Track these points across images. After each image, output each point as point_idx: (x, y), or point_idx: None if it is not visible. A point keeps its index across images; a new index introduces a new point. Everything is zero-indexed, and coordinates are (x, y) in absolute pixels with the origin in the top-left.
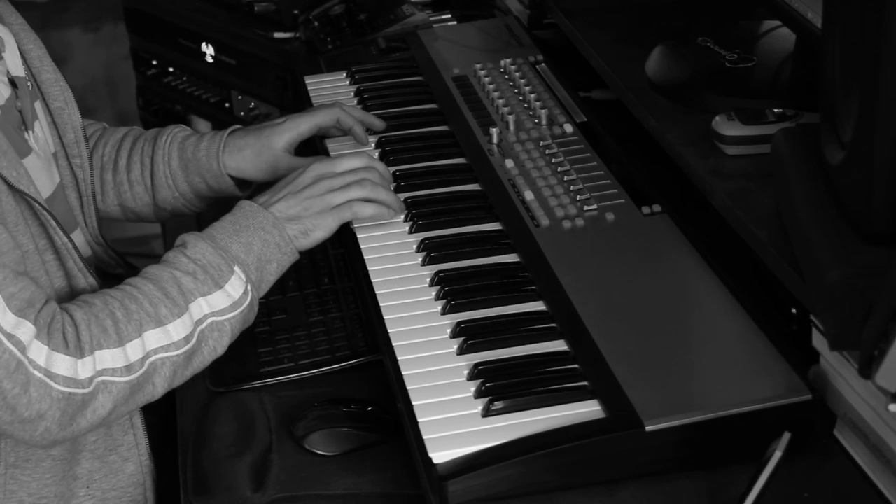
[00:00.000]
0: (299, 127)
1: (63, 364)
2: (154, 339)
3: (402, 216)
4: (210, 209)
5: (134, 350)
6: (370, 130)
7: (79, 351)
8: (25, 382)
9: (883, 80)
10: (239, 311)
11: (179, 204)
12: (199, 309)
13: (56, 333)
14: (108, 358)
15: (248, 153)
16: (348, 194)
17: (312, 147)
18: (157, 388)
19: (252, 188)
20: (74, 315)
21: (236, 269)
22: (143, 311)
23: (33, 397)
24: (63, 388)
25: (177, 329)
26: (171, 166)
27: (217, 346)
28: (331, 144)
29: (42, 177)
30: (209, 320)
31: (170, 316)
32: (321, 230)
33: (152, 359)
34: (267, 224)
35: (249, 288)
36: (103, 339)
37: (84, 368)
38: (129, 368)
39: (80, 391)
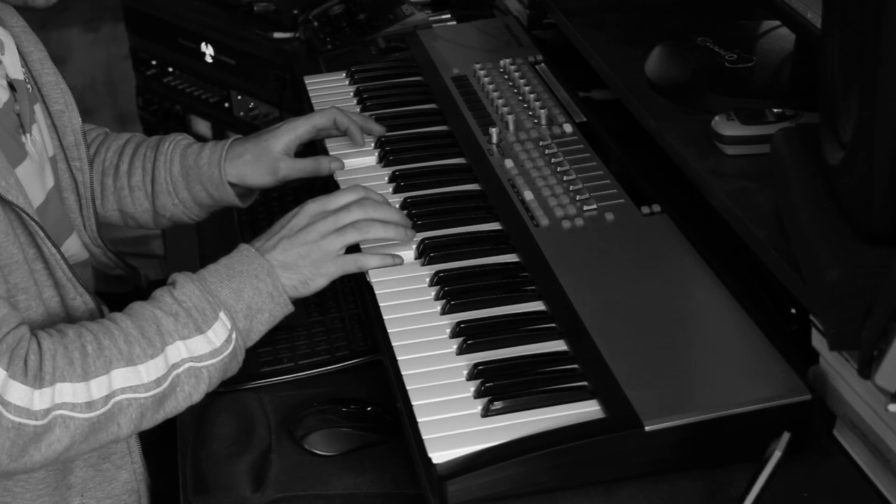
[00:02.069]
0: (297, 129)
1: (17, 392)
2: (122, 378)
3: (413, 246)
4: (209, 220)
5: (99, 387)
6: (370, 136)
7: (38, 381)
8: None
9: (883, 80)
10: (219, 358)
11: (179, 211)
12: (177, 352)
13: (17, 360)
14: (69, 392)
15: (247, 158)
16: (344, 239)
17: (312, 148)
18: (123, 429)
19: (253, 198)
20: (42, 343)
21: (222, 314)
22: (116, 347)
23: None
24: (13, 418)
25: (148, 370)
26: (172, 173)
27: (193, 393)
28: (330, 144)
29: (34, 184)
30: (186, 365)
31: (143, 356)
32: (322, 278)
33: (118, 398)
34: (261, 272)
35: (234, 336)
36: (67, 372)
37: (41, 400)
38: (90, 405)
39: (32, 423)
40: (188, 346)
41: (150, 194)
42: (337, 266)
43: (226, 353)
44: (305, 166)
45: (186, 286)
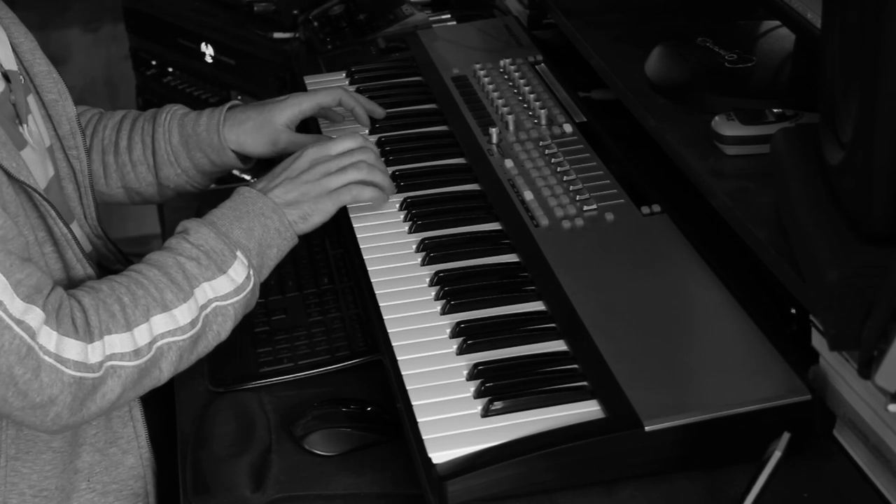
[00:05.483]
0: (301, 104)
1: (73, 349)
2: (161, 323)
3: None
4: (211, 196)
5: (142, 335)
6: (374, 122)
7: (88, 336)
8: (36, 368)
9: (883, 79)
10: (242, 295)
11: (183, 181)
12: (204, 294)
13: (65, 318)
14: (118, 342)
15: (248, 126)
16: (345, 177)
17: (308, 130)
18: (164, 373)
19: (253, 163)
20: (82, 300)
21: (238, 254)
22: (150, 296)
23: (45, 382)
24: (74, 373)
25: (183, 314)
26: (171, 143)
27: (221, 331)
28: (326, 130)
29: (37, 170)
30: (213, 305)
31: (175, 301)
32: (319, 214)
33: (159, 343)
34: (266, 210)
35: (252, 273)
36: (112, 324)
37: (94, 353)
38: (137, 353)
39: (91, 375)
40: (213, 287)
41: (153, 167)
42: (333, 201)
43: (247, 290)
44: (305, 141)
45: (201, 230)
